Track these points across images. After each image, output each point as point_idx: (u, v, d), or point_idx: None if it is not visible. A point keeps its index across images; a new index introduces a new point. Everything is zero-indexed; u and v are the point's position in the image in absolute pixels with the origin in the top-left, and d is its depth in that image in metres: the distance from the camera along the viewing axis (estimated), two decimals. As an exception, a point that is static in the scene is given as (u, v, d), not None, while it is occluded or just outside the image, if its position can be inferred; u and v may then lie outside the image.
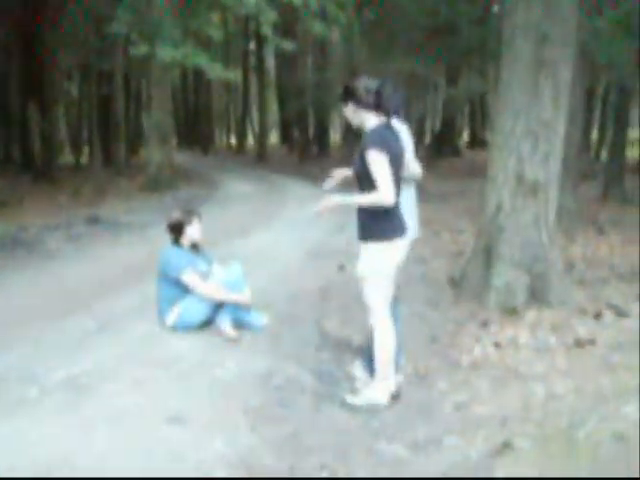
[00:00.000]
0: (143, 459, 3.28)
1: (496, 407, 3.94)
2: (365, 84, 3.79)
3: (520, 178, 5.66)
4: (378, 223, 3.79)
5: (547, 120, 5.55)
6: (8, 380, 4.26)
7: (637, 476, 2.77)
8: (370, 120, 3.81)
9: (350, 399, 3.99)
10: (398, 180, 3.78)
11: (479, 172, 18.99)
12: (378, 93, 3.77)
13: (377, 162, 3.63)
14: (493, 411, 3.89)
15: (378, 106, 3.78)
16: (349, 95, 3.82)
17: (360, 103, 3.78)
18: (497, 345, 4.91)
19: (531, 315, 5.50)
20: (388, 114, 3.83)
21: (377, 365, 3.95)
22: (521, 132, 5.61)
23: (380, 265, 3.83)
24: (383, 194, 3.62)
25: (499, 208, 5.82)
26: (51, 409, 3.83)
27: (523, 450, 3.41)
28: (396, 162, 3.75)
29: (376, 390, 3.97)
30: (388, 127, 3.82)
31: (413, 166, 4.15)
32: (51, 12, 19.20)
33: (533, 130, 5.59)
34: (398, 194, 3.80)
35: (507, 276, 5.70)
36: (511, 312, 5.54)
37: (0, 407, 3.86)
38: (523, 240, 5.73)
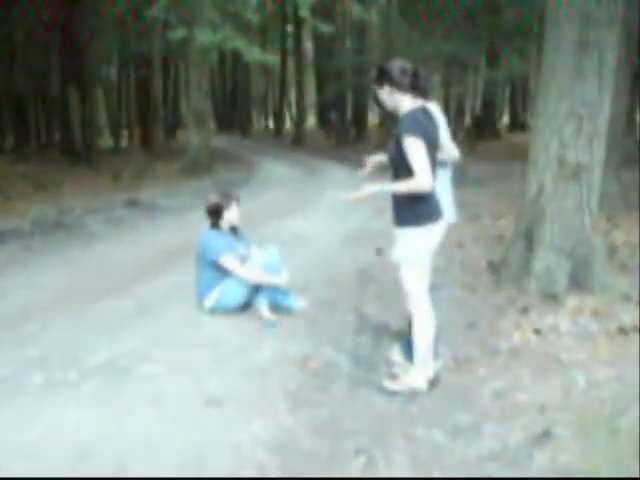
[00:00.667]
0: (182, 441, 3.31)
1: (536, 394, 3.88)
2: (400, 65, 3.72)
3: (562, 161, 5.55)
4: (413, 208, 3.74)
5: (591, 102, 5.42)
6: (50, 362, 4.34)
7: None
8: (406, 103, 3.75)
9: (388, 384, 3.97)
10: (434, 164, 3.72)
11: (519, 155, 18.71)
12: (414, 74, 3.70)
13: (414, 148, 3.57)
14: (533, 399, 3.83)
15: (414, 88, 3.72)
16: (384, 77, 3.75)
17: (396, 85, 3.72)
18: (537, 332, 4.84)
19: (572, 301, 5.40)
20: (424, 96, 3.77)
21: (416, 351, 3.92)
22: (564, 114, 5.49)
23: (416, 250, 3.78)
24: (421, 180, 3.57)
25: (540, 192, 5.71)
26: (91, 392, 3.90)
27: (563, 438, 3.37)
28: (432, 146, 3.69)
29: (415, 376, 3.94)
30: (424, 110, 3.76)
31: (449, 148, 4.09)
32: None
33: (577, 112, 5.46)
34: (434, 178, 3.74)
35: (548, 261, 5.61)
36: (552, 298, 5.44)
37: (42, 389, 3.93)
38: (565, 225, 5.62)
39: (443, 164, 3.97)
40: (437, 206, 3.79)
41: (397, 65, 3.72)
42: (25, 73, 22.02)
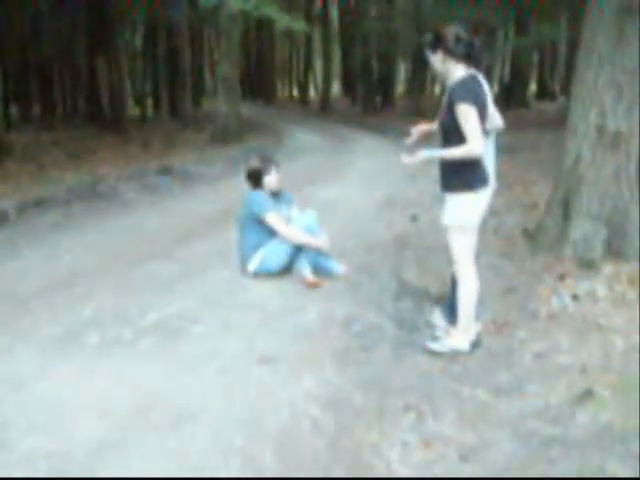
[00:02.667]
0: (238, 396, 3.48)
1: (576, 357, 3.98)
2: (456, 33, 3.78)
3: (601, 129, 5.57)
4: (463, 174, 3.83)
5: (632, 69, 5.42)
6: (103, 321, 4.52)
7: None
8: (458, 71, 3.81)
9: (431, 345, 4.09)
10: (484, 132, 3.80)
11: (549, 124, 18.65)
12: (470, 43, 3.77)
13: (467, 115, 3.65)
14: (573, 361, 3.94)
15: (469, 56, 3.78)
16: (439, 43, 3.81)
17: (450, 52, 3.78)
18: (575, 297, 4.92)
19: (609, 268, 5.45)
20: (477, 65, 3.83)
21: (460, 313, 4.04)
22: (604, 82, 5.49)
23: (466, 215, 3.88)
24: (474, 146, 3.65)
25: (578, 160, 5.74)
26: (146, 350, 4.08)
27: (604, 398, 3.48)
28: (482, 114, 3.77)
29: (458, 337, 4.06)
30: (475, 78, 3.83)
31: (495, 117, 4.15)
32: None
33: (617, 80, 5.46)
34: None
35: (585, 228, 5.66)
36: (588, 265, 5.51)
37: (98, 347, 4.11)
38: (602, 192, 5.65)
39: (490, 132, 4.04)
40: (485, 172, 3.88)
41: (453, 32, 3.77)
42: (51, 41, 22.12)
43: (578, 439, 3.10)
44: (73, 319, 4.57)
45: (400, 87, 40.99)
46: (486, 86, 3.94)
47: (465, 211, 3.87)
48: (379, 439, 3.10)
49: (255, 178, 5.59)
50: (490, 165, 4.06)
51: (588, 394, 3.51)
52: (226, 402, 3.41)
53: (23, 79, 23.22)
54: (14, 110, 23.30)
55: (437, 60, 3.86)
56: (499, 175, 4.07)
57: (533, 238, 6.24)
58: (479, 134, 3.66)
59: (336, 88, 47.70)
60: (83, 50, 21.57)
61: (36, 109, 24.85)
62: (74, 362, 3.88)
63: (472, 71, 3.83)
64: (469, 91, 3.72)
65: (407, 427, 3.21)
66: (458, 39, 3.76)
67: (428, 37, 3.92)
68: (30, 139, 16.02)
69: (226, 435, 3.10)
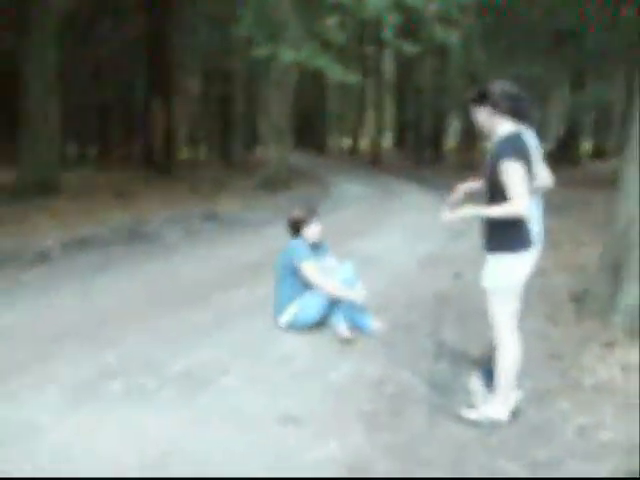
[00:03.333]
0: (257, 458, 3.30)
1: (622, 435, 3.71)
2: (503, 88, 3.66)
3: (655, 193, 5.35)
4: (507, 234, 3.66)
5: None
6: (129, 369, 4.42)
7: (637, 476, 2.56)
8: (504, 126, 3.68)
9: (467, 413, 3.87)
10: (531, 190, 3.64)
11: (601, 183, 18.26)
12: (516, 99, 3.64)
13: (512, 172, 3.50)
14: (619, 438, 3.67)
15: (515, 112, 3.65)
16: (485, 99, 3.69)
17: (497, 108, 3.65)
18: (624, 368, 4.65)
19: (660, 339, 5.17)
20: (525, 121, 3.69)
21: (499, 382, 3.82)
22: (659, 144, 5.30)
23: (508, 278, 3.70)
24: (518, 205, 3.49)
25: (631, 223, 5.50)
26: (168, 401, 3.95)
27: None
28: (529, 171, 3.61)
29: (495, 406, 3.83)
30: (521, 135, 3.68)
31: (542, 175, 3.98)
32: (177, 12, 19.91)
33: (672, 142, 5.27)
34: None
35: (636, 295, 5.39)
36: (638, 334, 5.23)
37: (120, 395, 4.00)
38: (655, 258, 5.40)
39: (537, 190, 3.87)
40: (530, 233, 3.70)
41: (499, 87, 3.65)
42: (110, 87, 22.78)
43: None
44: (99, 364, 4.48)
45: (451, 141, 40.95)
46: (534, 143, 3.79)
47: (507, 273, 3.69)
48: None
49: (296, 227, 5.50)
50: (536, 225, 3.88)
51: (633, 476, 3.24)
52: (242, 464, 3.24)
53: (82, 120, 23.92)
54: (72, 149, 23.96)
55: (482, 115, 3.73)
56: (547, 233, 3.88)
57: (580, 302, 5.97)
58: (524, 193, 3.50)
59: (388, 140, 47.91)
60: (141, 94, 22.12)
61: (93, 150, 25.53)
62: (92, 410, 3.78)
63: (519, 127, 3.69)
64: (515, 148, 3.57)
65: (434, 503, 3.00)
66: (504, 94, 3.63)
67: (474, 92, 3.80)
68: (83, 179, 16.35)
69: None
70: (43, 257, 7.88)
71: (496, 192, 3.65)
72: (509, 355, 3.77)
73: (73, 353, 4.68)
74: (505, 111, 3.65)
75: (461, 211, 3.72)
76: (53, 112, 13.11)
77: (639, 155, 5.48)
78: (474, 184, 4.16)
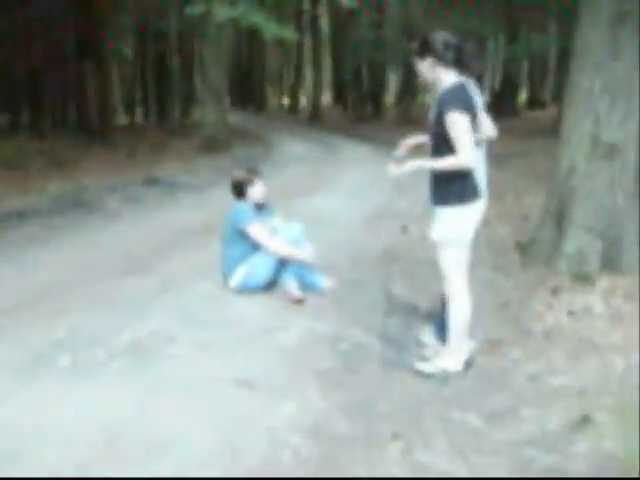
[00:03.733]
0: (214, 424, 3.25)
1: (572, 378, 3.79)
2: (444, 38, 3.59)
3: (596, 139, 5.39)
4: (454, 187, 3.63)
5: (627, 78, 5.25)
6: (76, 342, 4.29)
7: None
8: (448, 77, 3.62)
9: (421, 366, 3.89)
10: (476, 141, 3.61)
11: (539, 133, 18.53)
12: (459, 48, 3.58)
13: (457, 124, 3.46)
14: (570, 382, 3.74)
15: (458, 62, 3.59)
16: (427, 49, 3.61)
17: (440, 58, 3.59)
18: (570, 313, 4.73)
19: (604, 282, 5.27)
20: (468, 71, 3.65)
21: (451, 334, 3.83)
22: (599, 90, 5.32)
23: (457, 230, 3.69)
24: (464, 157, 3.46)
25: (572, 170, 5.56)
26: (118, 373, 3.84)
27: (603, 424, 3.28)
28: (474, 122, 3.58)
29: (449, 358, 3.86)
30: (466, 86, 3.63)
31: (486, 125, 3.96)
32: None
33: (611, 88, 5.30)
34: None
35: (579, 241, 5.48)
36: (583, 279, 5.33)
37: (69, 369, 3.88)
38: (597, 204, 5.48)
39: (481, 142, 3.85)
40: (477, 184, 3.68)
41: (441, 38, 3.58)
42: (41, 49, 21.87)
43: (578, 470, 2.90)
44: (44, 339, 4.32)
45: (391, 96, 40.92)
46: (478, 94, 3.75)
47: (456, 225, 3.68)
48: (366, 471, 2.89)
49: (239, 189, 5.40)
50: (482, 176, 3.87)
51: (586, 420, 3.31)
52: (200, 431, 3.18)
53: (11, 87, 22.98)
54: (2, 119, 23.05)
55: (425, 66, 3.66)
56: (489, 184, 3.87)
57: (526, 250, 6.06)
58: (470, 144, 3.47)
59: (327, 97, 47.58)
60: (72, 57, 21.33)
61: (25, 118, 24.60)
62: (41, 386, 3.65)
63: (463, 78, 3.64)
64: (460, 99, 3.52)
65: (395, 458, 3.00)
66: (447, 44, 3.57)
67: (416, 43, 3.73)
68: (17, 148, 15.77)
69: (200, 468, 2.87)
70: (-22, 231, 7.58)
71: (441, 144, 3.62)
72: (461, 306, 3.78)
73: (16, 329, 4.51)
74: (448, 62, 3.59)
75: (408, 165, 3.67)
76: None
77: (579, 102, 5.52)
78: (419, 138, 4.11)
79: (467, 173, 3.60)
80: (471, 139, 3.49)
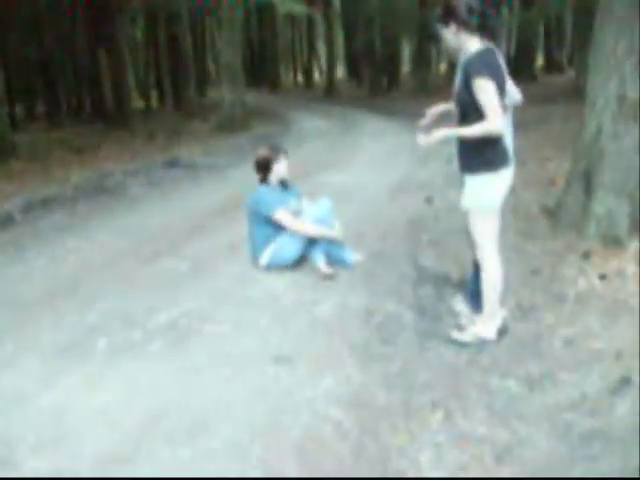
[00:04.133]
0: (257, 399, 3.29)
1: (609, 342, 3.77)
2: (468, 3, 3.54)
3: (622, 100, 5.30)
4: (484, 154, 3.61)
5: (653, 36, 5.16)
6: (111, 325, 4.34)
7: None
8: (473, 44, 3.58)
9: (456, 335, 3.89)
10: (503, 107, 3.57)
11: (557, 97, 18.30)
12: (483, 14, 3.53)
13: (486, 90, 3.42)
14: (606, 346, 3.73)
15: (483, 27, 3.55)
16: (451, 15, 3.57)
17: (463, 24, 3.54)
18: (603, 277, 4.70)
19: (635, 245, 5.22)
20: (493, 37, 3.60)
21: (485, 301, 3.83)
22: (624, 50, 5.22)
23: (488, 197, 3.67)
24: (493, 123, 3.43)
25: (599, 132, 5.49)
26: (156, 353, 3.89)
27: (641, 385, 3.28)
28: (501, 88, 3.54)
29: (484, 325, 3.86)
30: (492, 51, 3.59)
31: (513, 91, 3.91)
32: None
33: (636, 48, 5.20)
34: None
35: (608, 204, 5.41)
36: (614, 242, 5.28)
37: (106, 353, 3.93)
38: (626, 165, 5.40)
39: (508, 108, 3.81)
40: (506, 151, 3.66)
41: (465, 3, 3.53)
42: (53, 39, 21.90)
43: (619, 433, 2.90)
44: (79, 324, 4.39)
45: (405, 66, 40.54)
46: (502, 59, 3.71)
47: (487, 193, 3.66)
48: (407, 442, 2.91)
49: (264, 167, 5.39)
50: (510, 143, 3.84)
51: (625, 382, 3.30)
52: (242, 407, 3.22)
53: (26, 77, 23.06)
54: (19, 109, 23.16)
55: (450, 33, 3.62)
56: (514, 151, 3.84)
57: (554, 216, 6.01)
58: (499, 109, 3.44)
59: (341, 71, 47.25)
60: (84, 44, 21.31)
61: (41, 107, 24.70)
62: (81, 371, 3.70)
63: (487, 44, 3.60)
64: (486, 65, 3.49)
65: (436, 427, 3.02)
66: (471, 10, 3.52)
67: (439, 10, 3.68)
68: (36, 138, 15.87)
69: (244, 444, 2.91)
70: (6, 222, 7.65)
71: (469, 111, 3.59)
72: (494, 273, 3.77)
73: (51, 315, 4.57)
74: (473, 27, 3.55)
75: (437, 133, 3.64)
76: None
77: (604, 63, 5.43)
78: (445, 106, 4.08)
79: (496, 140, 3.57)
80: (500, 104, 3.46)
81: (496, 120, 3.42)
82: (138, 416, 3.18)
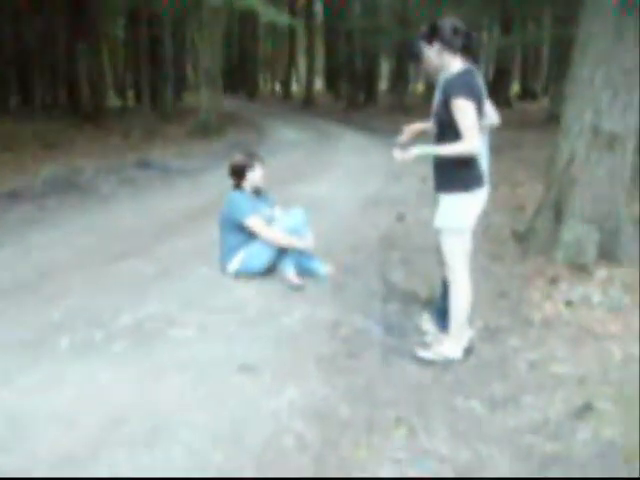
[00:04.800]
0: (217, 408, 3.24)
1: (573, 367, 3.81)
2: (453, 24, 3.57)
3: (596, 130, 5.39)
4: (459, 173, 3.63)
5: (630, 69, 5.24)
6: (74, 323, 4.27)
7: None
8: (455, 64, 3.60)
9: (422, 353, 3.89)
10: (481, 128, 3.60)
11: (532, 124, 18.55)
12: (467, 35, 3.56)
13: (464, 110, 3.44)
14: (570, 371, 3.76)
15: (466, 49, 3.58)
16: (435, 35, 3.59)
17: (447, 45, 3.56)
18: (569, 303, 4.75)
19: (602, 273, 5.30)
20: (475, 59, 3.63)
21: (452, 320, 3.83)
22: (600, 81, 5.31)
23: (460, 217, 3.69)
24: (470, 143, 3.45)
25: (572, 160, 5.57)
26: (118, 355, 3.83)
27: (604, 412, 3.30)
28: (480, 109, 3.57)
29: (449, 345, 3.86)
30: (472, 72, 3.62)
31: (490, 113, 3.95)
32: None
33: (613, 79, 5.29)
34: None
35: (577, 231, 5.49)
36: (581, 269, 5.35)
37: (68, 352, 3.86)
38: (596, 194, 5.49)
39: (485, 129, 3.83)
40: (481, 172, 3.68)
41: (450, 23, 3.56)
42: (31, 30, 21.65)
43: (580, 458, 2.92)
44: (41, 321, 4.30)
45: (383, 84, 40.83)
46: (482, 80, 3.74)
47: (460, 212, 3.68)
48: (368, 456, 2.89)
49: (239, 173, 5.35)
50: (485, 164, 3.86)
51: (588, 407, 3.33)
52: (203, 414, 3.17)
53: (1, 70, 22.74)
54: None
55: (433, 52, 3.64)
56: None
57: (524, 240, 6.06)
58: (476, 130, 3.46)
59: (319, 84, 47.43)
60: (63, 39, 21.11)
61: (14, 100, 24.37)
62: (41, 368, 3.62)
63: (468, 65, 3.62)
64: (466, 85, 3.51)
65: (398, 443, 3.00)
66: (455, 30, 3.55)
67: (424, 29, 3.70)
68: (7, 130, 15.62)
69: (204, 451, 2.86)
70: (-29, 212, 7.52)
71: (446, 130, 3.60)
72: (462, 293, 3.78)
73: (14, 311, 4.48)
74: (456, 48, 3.57)
75: (414, 150, 3.65)
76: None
77: (580, 92, 5.51)
78: (423, 124, 4.10)
79: (472, 160, 3.59)
80: (477, 125, 3.48)
81: (473, 141, 3.45)
82: (96, 419, 3.11)
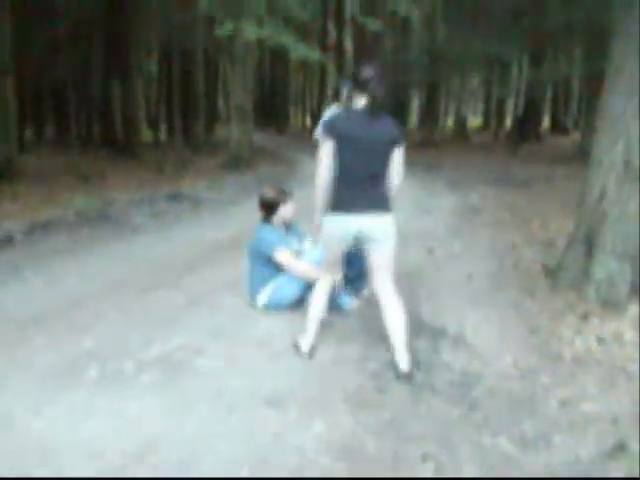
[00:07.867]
0: (244, 441, 3.24)
1: (605, 405, 3.74)
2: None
3: (628, 164, 5.35)
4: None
5: (660, 103, 5.22)
6: (104, 353, 4.30)
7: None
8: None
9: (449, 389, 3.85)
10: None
11: (563, 159, 18.45)
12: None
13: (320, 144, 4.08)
14: (602, 409, 3.69)
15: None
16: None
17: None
18: (600, 340, 4.68)
19: (634, 309, 5.21)
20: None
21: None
22: (631, 114, 5.28)
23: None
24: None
25: (603, 195, 5.52)
26: (147, 386, 3.84)
27: (638, 452, 3.23)
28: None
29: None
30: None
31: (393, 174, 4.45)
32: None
33: (645, 114, 5.27)
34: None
35: (609, 267, 5.42)
36: (613, 305, 5.27)
37: (97, 381, 3.88)
38: (627, 230, 5.42)
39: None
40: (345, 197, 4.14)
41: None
42: (67, 65, 22.17)
43: (612, 499, 2.86)
44: (72, 349, 4.35)
45: (414, 119, 41.03)
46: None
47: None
48: (395, 493, 2.86)
49: (269, 207, 5.37)
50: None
51: (620, 447, 3.26)
52: (230, 448, 3.17)
53: (38, 102, 23.29)
54: (28, 133, 23.35)
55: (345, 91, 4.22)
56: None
57: (554, 275, 6.00)
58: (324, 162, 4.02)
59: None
60: (98, 74, 21.59)
61: (50, 131, 24.91)
62: (70, 398, 3.65)
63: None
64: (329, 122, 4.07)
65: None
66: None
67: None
68: (43, 162, 15.95)
69: (230, 484, 2.86)
70: (6, 242, 7.65)
71: None
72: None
73: (44, 339, 4.53)
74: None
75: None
76: (8, 94, 12.55)
77: (611, 126, 5.48)
78: None
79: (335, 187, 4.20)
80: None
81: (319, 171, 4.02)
82: (122, 448, 3.12)
